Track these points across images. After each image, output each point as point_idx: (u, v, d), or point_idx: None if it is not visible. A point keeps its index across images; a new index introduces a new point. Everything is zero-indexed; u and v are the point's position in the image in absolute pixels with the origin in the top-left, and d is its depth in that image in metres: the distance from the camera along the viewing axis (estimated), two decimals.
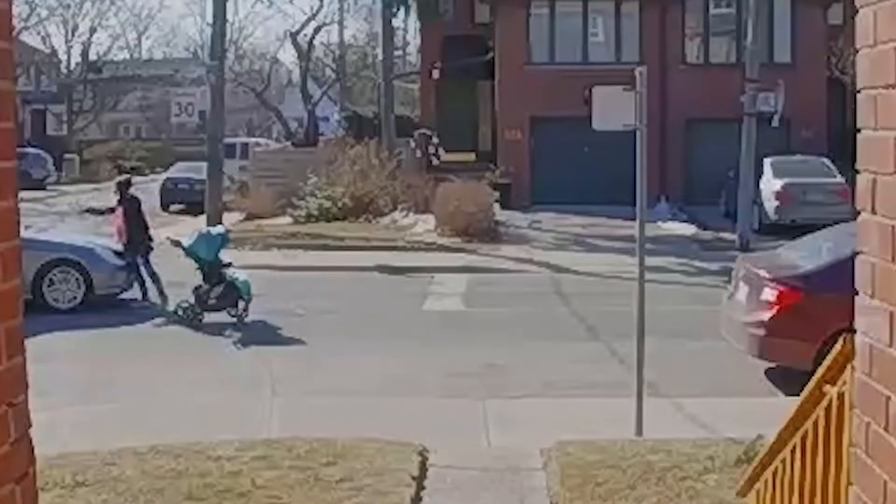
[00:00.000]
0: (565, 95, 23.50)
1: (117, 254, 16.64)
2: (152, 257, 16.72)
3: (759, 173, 24.74)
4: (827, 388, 4.00)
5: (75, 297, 15.94)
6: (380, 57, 40.71)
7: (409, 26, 48.51)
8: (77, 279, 15.96)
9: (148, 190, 40.23)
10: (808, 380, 4.32)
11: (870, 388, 2.74)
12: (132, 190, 17.31)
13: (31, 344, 2.56)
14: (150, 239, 16.89)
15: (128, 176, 18.44)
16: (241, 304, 14.96)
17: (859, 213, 2.78)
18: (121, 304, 16.41)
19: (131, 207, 16.80)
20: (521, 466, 7.98)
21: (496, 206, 26.60)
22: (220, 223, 23.09)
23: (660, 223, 25.69)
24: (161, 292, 16.16)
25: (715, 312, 12.45)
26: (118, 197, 17.00)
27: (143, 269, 16.51)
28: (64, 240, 17.76)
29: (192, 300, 14.91)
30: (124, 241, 16.57)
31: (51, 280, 15.85)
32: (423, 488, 7.45)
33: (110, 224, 17.18)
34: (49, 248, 16.15)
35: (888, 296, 2.58)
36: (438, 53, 34.58)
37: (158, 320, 15.17)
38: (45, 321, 13.31)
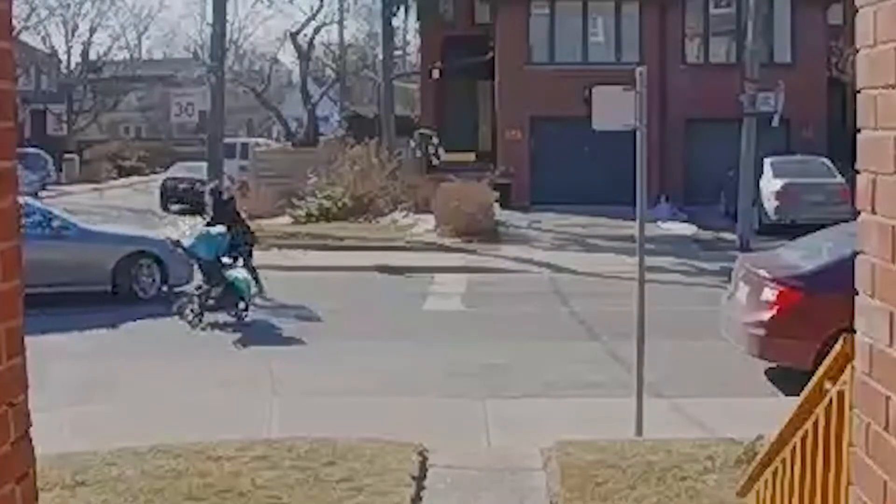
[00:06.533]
0: (565, 95, 23.52)
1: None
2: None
3: (759, 173, 24.74)
4: (827, 387, 4.01)
5: (155, 287, 16.78)
6: (380, 57, 40.74)
7: (409, 26, 48.52)
8: (156, 270, 16.83)
9: (148, 190, 40.47)
10: (808, 380, 4.32)
11: (870, 388, 2.74)
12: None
13: (31, 343, 2.56)
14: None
15: (217, 182, 19.17)
16: (241, 304, 14.96)
17: (859, 213, 2.78)
18: (121, 303, 16.40)
19: (224, 208, 17.38)
20: (521, 466, 7.98)
21: (496, 206, 26.60)
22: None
23: (660, 223, 25.70)
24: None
25: (715, 312, 12.45)
26: (212, 200, 17.69)
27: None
28: (143, 233, 19.00)
29: (193, 300, 14.92)
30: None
31: (133, 271, 16.74)
32: (423, 488, 7.45)
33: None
34: (130, 241, 17.28)
35: (888, 296, 2.58)
36: (438, 53, 34.58)
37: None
38: (46, 321, 13.30)
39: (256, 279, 16.65)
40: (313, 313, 15.73)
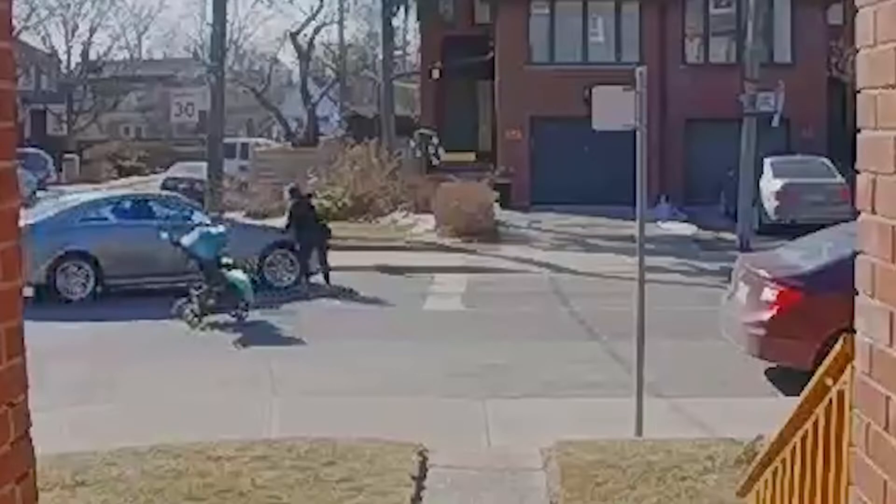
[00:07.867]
0: (565, 95, 23.56)
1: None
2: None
3: (759, 173, 24.74)
4: (827, 387, 4.01)
5: (290, 278, 17.76)
6: (380, 57, 40.74)
7: (409, 26, 48.52)
8: (291, 261, 17.88)
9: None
10: (808, 380, 4.32)
11: (870, 388, 2.74)
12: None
13: (32, 342, 2.56)
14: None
15: (296, 182, 20.07)
16: (242, 304, 14.95)
17: (859, 213, 2.77)
18: (122, 303, 16.41)
19: (296, 209, 18.31)
20: (521, 466, 7.98)
21: (496, 206, 26.59)
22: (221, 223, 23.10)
23: (660, 223, 25.69)
24: (329, 281, 17.68)
25: (715, 312, 12.45)
26: (293, 201, 18.58)
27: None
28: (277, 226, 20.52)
29: (193, 300, 14.90)
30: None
31: (270, 262, 17.80)
32: (423, 488, 7.45)
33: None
34: (269, 233, 18.58)
35: (888, 296, 2.58)
36: (438, 53, 34.57)
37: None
38: (47, 319, 13.30)
39: (310, 277, 17.64)
40: (313, 313, 15.71)
